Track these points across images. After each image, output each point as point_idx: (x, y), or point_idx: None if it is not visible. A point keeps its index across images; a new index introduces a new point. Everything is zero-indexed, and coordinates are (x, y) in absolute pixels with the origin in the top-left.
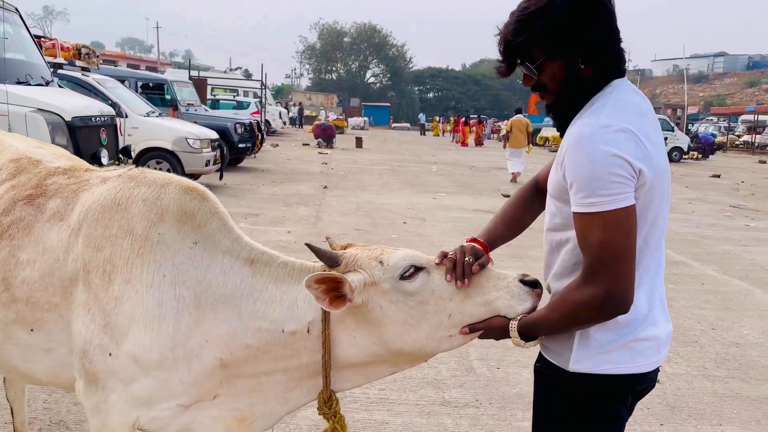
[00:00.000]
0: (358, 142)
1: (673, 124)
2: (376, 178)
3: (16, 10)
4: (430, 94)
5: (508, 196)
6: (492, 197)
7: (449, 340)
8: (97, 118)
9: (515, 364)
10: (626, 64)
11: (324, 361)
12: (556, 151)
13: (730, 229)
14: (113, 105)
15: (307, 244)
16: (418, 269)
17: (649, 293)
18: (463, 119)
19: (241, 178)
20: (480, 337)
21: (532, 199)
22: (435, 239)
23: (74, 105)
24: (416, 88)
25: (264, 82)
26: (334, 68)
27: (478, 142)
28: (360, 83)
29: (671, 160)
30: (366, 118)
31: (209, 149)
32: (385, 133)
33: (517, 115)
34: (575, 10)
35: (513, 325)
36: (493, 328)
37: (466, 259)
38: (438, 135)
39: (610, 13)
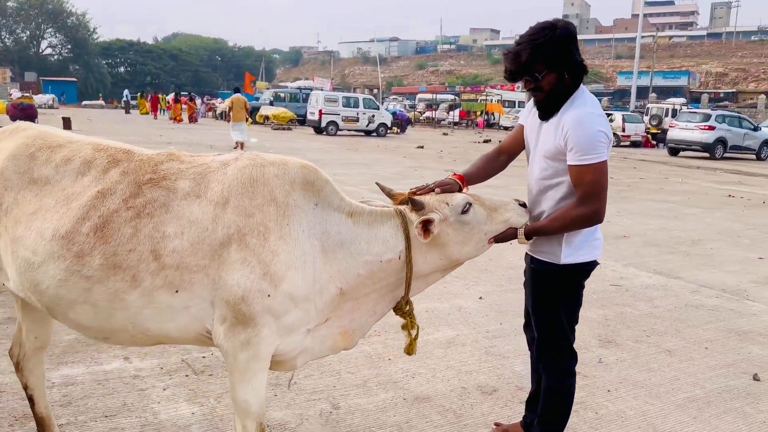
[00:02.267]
0: (66, 122)
1: (378, 103)
2: None
3: None
4: (122, 69)
5: None
6: None
7: (483, 248)
8: None
9: None
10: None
11: (407, 277)
12: (278, 128)
13: None
14: None
15: (410, 198)
16: (470, 204)
17: None
18: (173, 96)
19: None
20: (496, 241)
21: (496, 159)
22: None
23: None
24: (104, 62)
25: None
26: None
27: (192, 119)
28: (34, 55)
29: (378, 134)
30: (54, 96)
31: None
32: (83, 112)
33: (236, 94)
34: (566, 40)
35: (520, 232)
36: (507, 235)
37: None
38: (147, 113)
39: (577, 43)
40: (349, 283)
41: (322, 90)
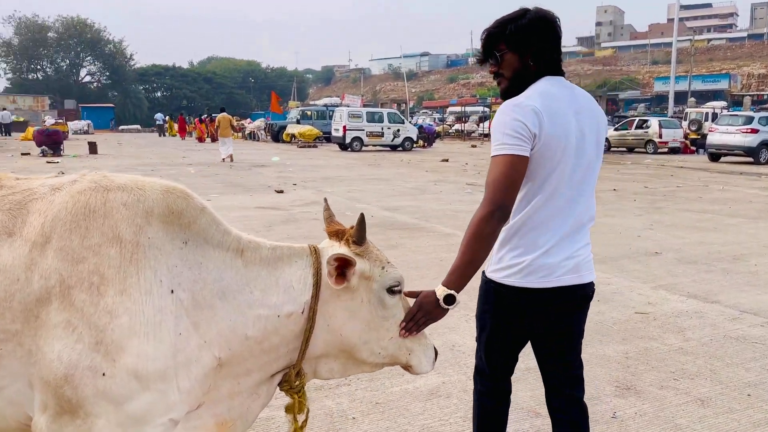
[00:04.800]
0: (92, 147)
1: (403, 118)
2: None
3: None
4: (158, 93)
5: (281, 191)
6: (266, 194)
7: (379, 358)
8: None
9: None
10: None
11: (305, 337)
12: (304, 146)
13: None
14: None
15: (362, 215)
16: (399, 291)
17: (551, 235)
18: (199, 118)
19: None
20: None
21: None
22: None
23: None
24: (141, 87)
25: None
26: (39, 67)
27: (213, 139)
28: (74, 83)
29: (404, 149)
30: (89, 121)
31: None
32: (117, 136)
33: (222, 113)
34: (533, 25)
35: (439, 293)
36: (433, 313)
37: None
38: (175, 135)
39: (557, 35)
40: (232, 350)
41: (347, 107)
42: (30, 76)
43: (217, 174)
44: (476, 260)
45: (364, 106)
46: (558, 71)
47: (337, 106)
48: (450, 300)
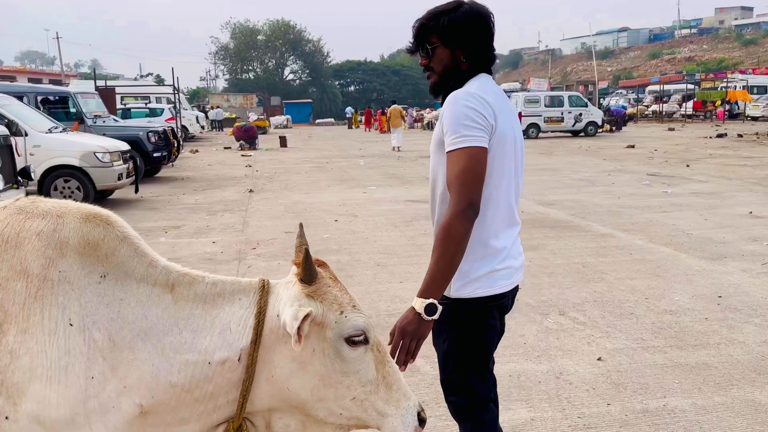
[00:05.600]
0: (283, 141)
1: (586, 100)
2: (304, 177)
3: None
4: (351, 87)
5: None
6: (422, 186)
7: (339, 418)
8: None
9: None
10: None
11: (244, 387)
12: None
13: (649, 197)
14: (9, 124)
15: (306, 250)
16: (364, 341)
17: (506, 236)
18: (382, 110)
19: (159, 189)
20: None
21: None
22: (368, 235)
23: None
24: (337, 83)
25: (177, 86)
26: (250, 67)
27: (389, 130)
28: (279, 81)
29: (587, 134)
30: (288, 116)
31: (121, 162)
32: (310, 129)
33: (394, 105)
34: (468, 20)
35: (418, 305)
36: (409, 330)
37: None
38: (357, 127)
39: (491, 32)
40: (155, 398)
41: (527, 91)
42: (243, 77)
43: (383, 166)
44: (453, 264)
45: (552, 89)
46: (488, 67)
47: (516, 92)
48: (432, 310)
